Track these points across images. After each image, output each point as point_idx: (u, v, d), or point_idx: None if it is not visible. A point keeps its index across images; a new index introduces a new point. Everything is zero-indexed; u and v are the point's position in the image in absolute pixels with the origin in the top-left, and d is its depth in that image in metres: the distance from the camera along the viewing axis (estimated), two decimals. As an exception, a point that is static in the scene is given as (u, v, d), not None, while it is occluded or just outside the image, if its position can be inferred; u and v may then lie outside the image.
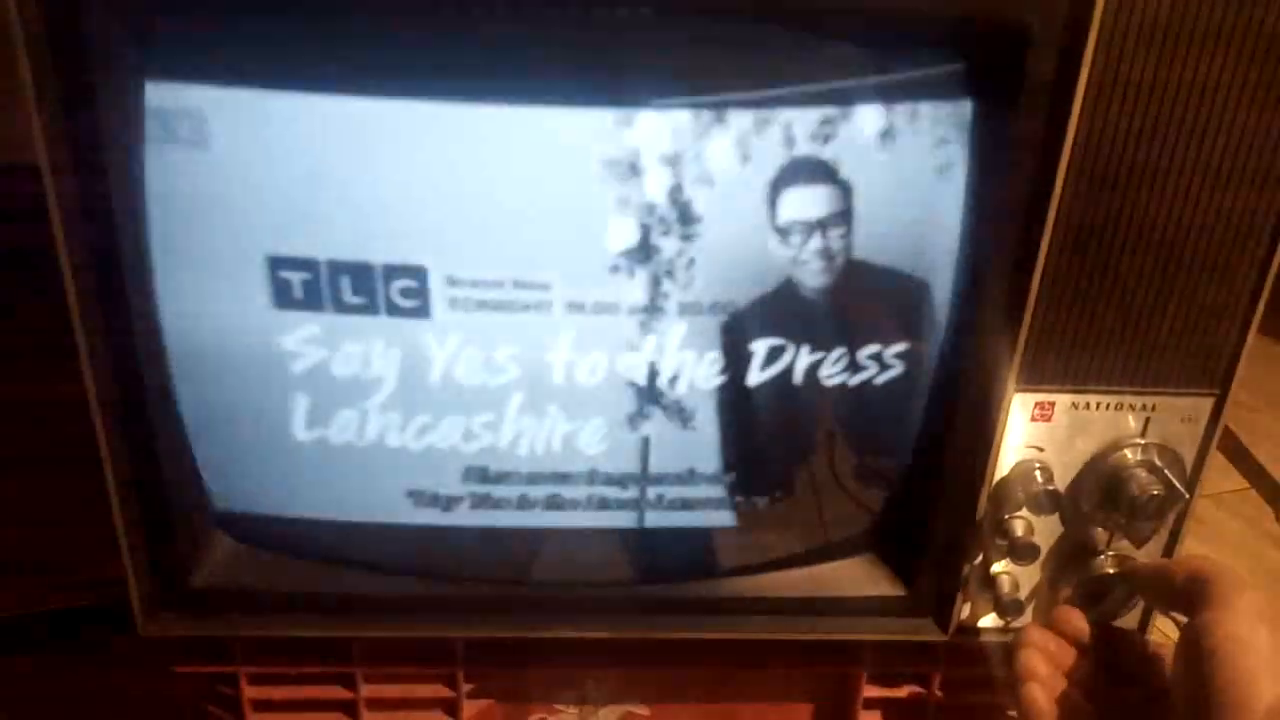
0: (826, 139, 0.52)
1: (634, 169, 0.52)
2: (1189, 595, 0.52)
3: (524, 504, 0.62)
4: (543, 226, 0.54)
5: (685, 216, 0.53)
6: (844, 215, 0.54)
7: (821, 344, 0.58)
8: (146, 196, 0.52)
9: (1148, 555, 0.63)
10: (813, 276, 0.56)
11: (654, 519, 0.63)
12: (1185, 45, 0.51)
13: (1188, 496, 0.60)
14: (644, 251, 0.54)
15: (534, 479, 0.61)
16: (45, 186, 0.51)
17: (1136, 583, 0.61)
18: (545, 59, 0.51)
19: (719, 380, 0.58)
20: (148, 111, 0.50)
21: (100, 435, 0.56)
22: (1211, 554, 0.57)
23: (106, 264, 0.53)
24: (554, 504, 0.62)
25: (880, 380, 0.59)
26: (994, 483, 0.61)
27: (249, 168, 0.52)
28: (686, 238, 0.54)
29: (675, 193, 0.53)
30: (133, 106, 0.50)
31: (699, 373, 0.58)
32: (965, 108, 0.52)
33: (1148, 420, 0.60)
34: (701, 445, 0.60)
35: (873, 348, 0.58)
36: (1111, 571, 0.62)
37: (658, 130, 0.51)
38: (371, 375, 0.57)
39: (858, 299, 0.57)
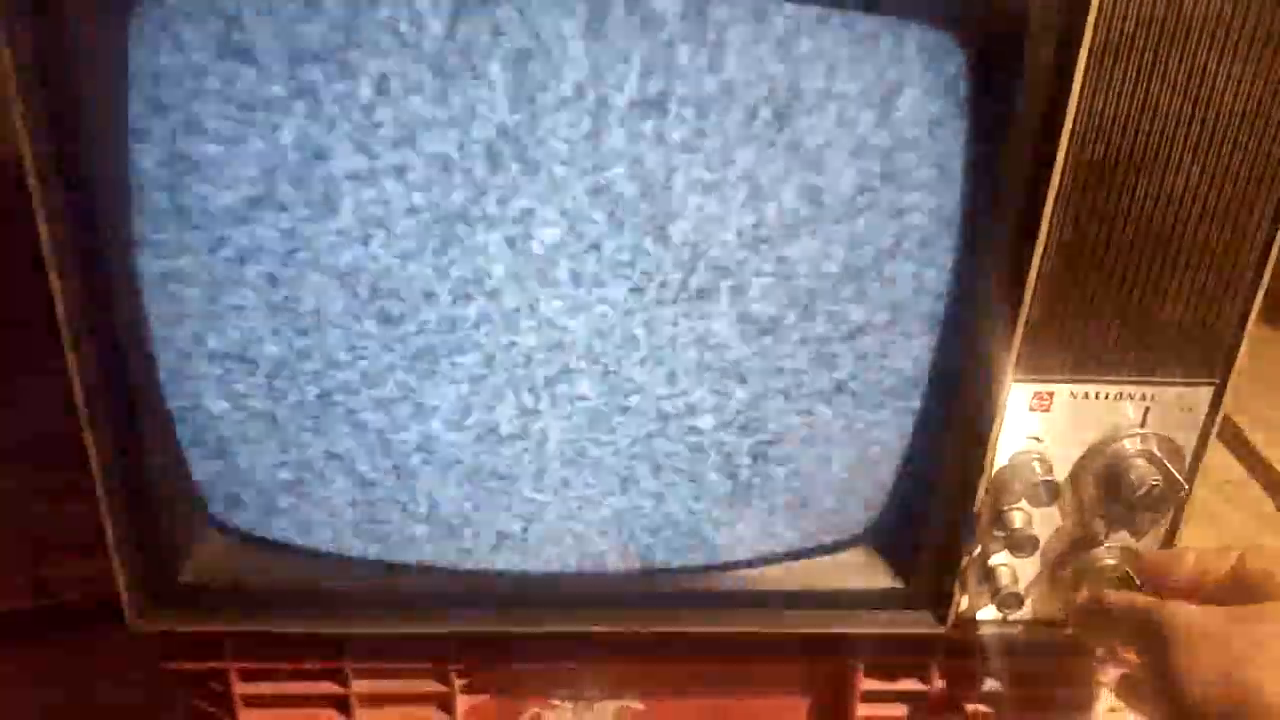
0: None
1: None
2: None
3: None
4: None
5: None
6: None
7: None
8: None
9: (1147, 546, 0.63)
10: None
11: (648, 511, 0.62)
12: (1183, 31, 0.51)
13: (1187, 487, 0.60)
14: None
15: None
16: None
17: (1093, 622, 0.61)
18: None
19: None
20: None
21: (86, 428, 0.56)
22: (1211, 543, 0.56)
23: (89, 240, 0.52)
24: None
25: (879, 369, 0.58)
26: (992, 474, 0.61)
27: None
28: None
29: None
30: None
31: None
32: (962, 93, 0.52)
33: (1147, 410, 0.60)
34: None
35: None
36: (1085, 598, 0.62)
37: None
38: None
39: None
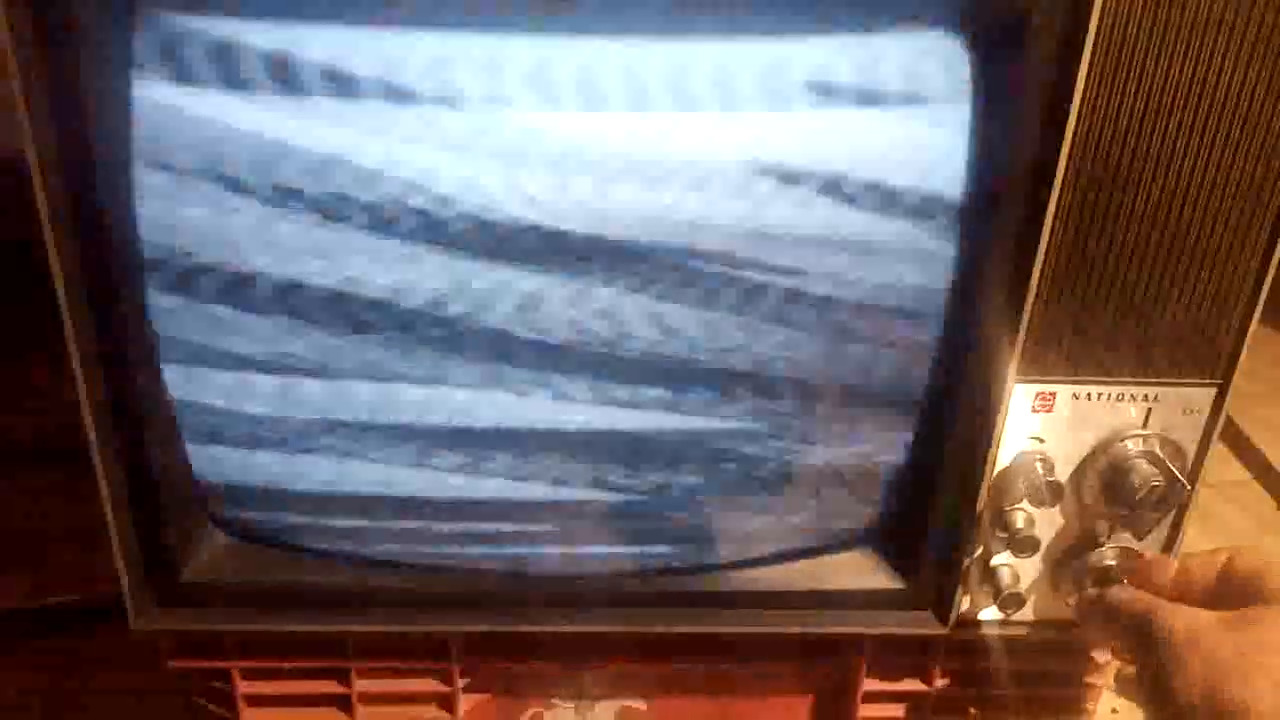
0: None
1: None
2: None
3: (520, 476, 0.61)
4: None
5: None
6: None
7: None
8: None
9: (1149, 547, 0.63)
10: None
11: (650, 510, 0.62)
12: (1186, 35, 0.51)
13: (1189, 488, 0.60)
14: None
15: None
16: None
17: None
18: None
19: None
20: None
21: (89, 428, 0.56)
22: (1213, 545, 0.56)
23: (94, 247, 0.52)
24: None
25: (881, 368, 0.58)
26: (994, 474, 0.61)
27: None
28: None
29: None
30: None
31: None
32: (966, 92, 0.52)
33: (1149, 411, 0.60)
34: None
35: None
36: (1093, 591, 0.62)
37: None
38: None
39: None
